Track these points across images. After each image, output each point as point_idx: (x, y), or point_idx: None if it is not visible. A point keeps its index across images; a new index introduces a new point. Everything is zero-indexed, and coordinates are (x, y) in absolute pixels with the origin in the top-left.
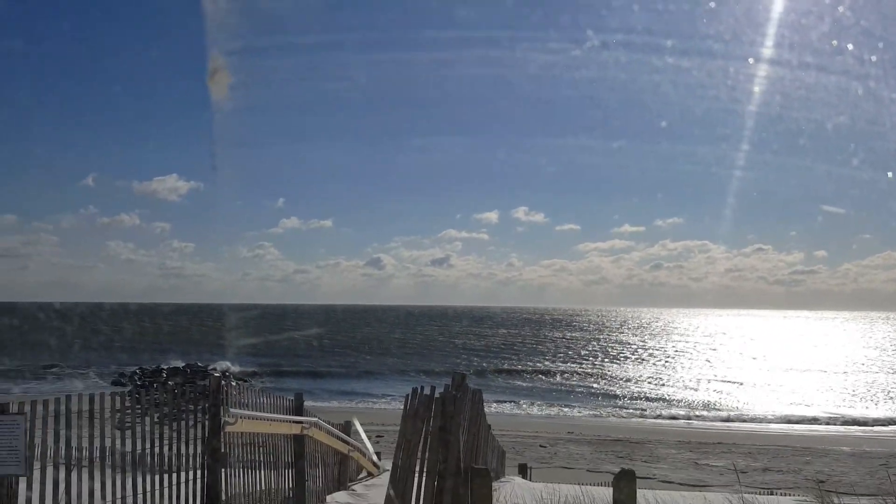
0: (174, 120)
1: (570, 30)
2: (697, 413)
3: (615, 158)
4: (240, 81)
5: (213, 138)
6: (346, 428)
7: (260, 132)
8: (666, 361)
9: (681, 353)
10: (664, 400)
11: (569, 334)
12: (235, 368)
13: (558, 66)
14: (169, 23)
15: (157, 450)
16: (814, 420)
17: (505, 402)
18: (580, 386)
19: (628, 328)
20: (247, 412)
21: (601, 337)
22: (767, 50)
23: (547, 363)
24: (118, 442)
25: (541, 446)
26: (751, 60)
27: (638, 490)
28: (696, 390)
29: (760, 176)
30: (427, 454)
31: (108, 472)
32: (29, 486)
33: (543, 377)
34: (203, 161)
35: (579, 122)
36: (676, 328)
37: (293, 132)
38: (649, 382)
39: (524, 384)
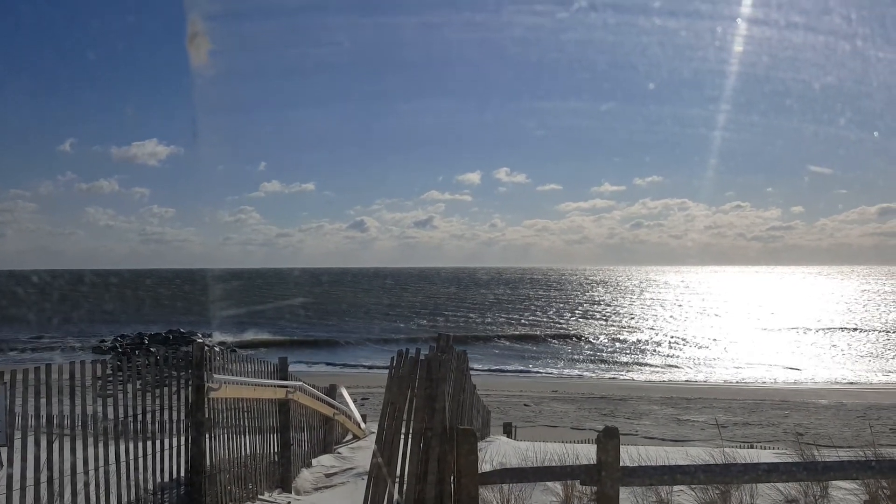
0: (153, 84)
1: None
2: (678, 369)
3: (602, 120)
4: (221, 46)
5: (193, 104)
6: (331, 391)
7: (241, 97)
8: (646, 319)
9: (661, 311)
10: (646, 357)
11: (551, 294)
12: (221, 338)
13: (545, 28)
14: None
15: (139, 417)
16: (791, 374)
17: (490, 362)
18: (564, 345)
19: (609, 287)
20: (231, 378)
21: (583, 297)
22: (755, 10)
23: (530, 324)
24: (100, 410)
25: (525, 405)
26: (738, 21)
27: (621, 446)
28: (677, 347)
29: (746, 136)
30: (413, 417)
31: (91, 440)
32: (10, 456)
33: (527, 338)
34: (183, 126)
35: (566, 84)
36: (656, 286)
37: (275, 97)
38: (631, 341)
39: (509, 345)
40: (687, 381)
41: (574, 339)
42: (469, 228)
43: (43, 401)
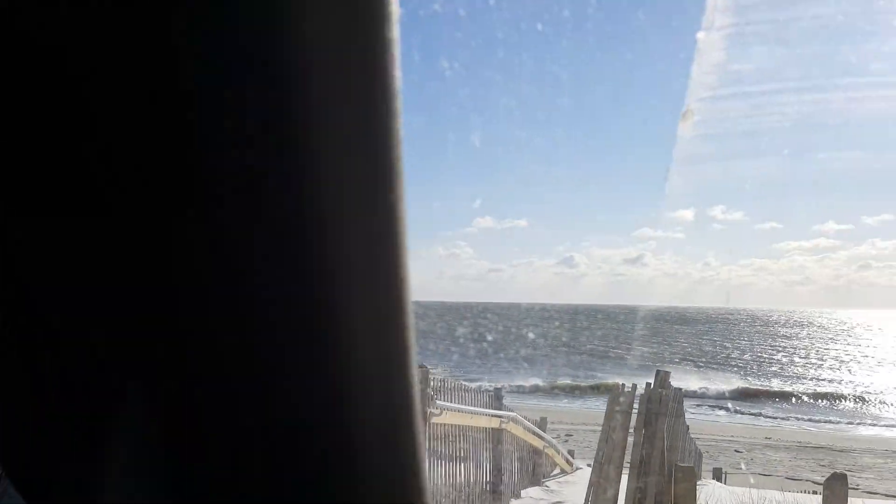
0: None
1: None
2: None
3: (826, 163)
4: None
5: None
6: (543, 424)
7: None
8: (876, 367)
9: (888, 357)
10: (869, 407)
11: (768, 335)
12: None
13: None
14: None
15: None
16: None
17: (700, 404)
18: (779, 390)
19: (833, 330)
20: (451, 405)
21: (802, 338)
22: None
23: (743, 365)
24: None
25: (736, 451)
26: None
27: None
28: None
29: None
30: (631, 450)
31: None
32: None
33: (740, 379)
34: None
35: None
36: (887, 332)
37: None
38: (854, 389)
39: (718, 388)
40: None
41: (790, 383)
42: (681, 267)
43: None
